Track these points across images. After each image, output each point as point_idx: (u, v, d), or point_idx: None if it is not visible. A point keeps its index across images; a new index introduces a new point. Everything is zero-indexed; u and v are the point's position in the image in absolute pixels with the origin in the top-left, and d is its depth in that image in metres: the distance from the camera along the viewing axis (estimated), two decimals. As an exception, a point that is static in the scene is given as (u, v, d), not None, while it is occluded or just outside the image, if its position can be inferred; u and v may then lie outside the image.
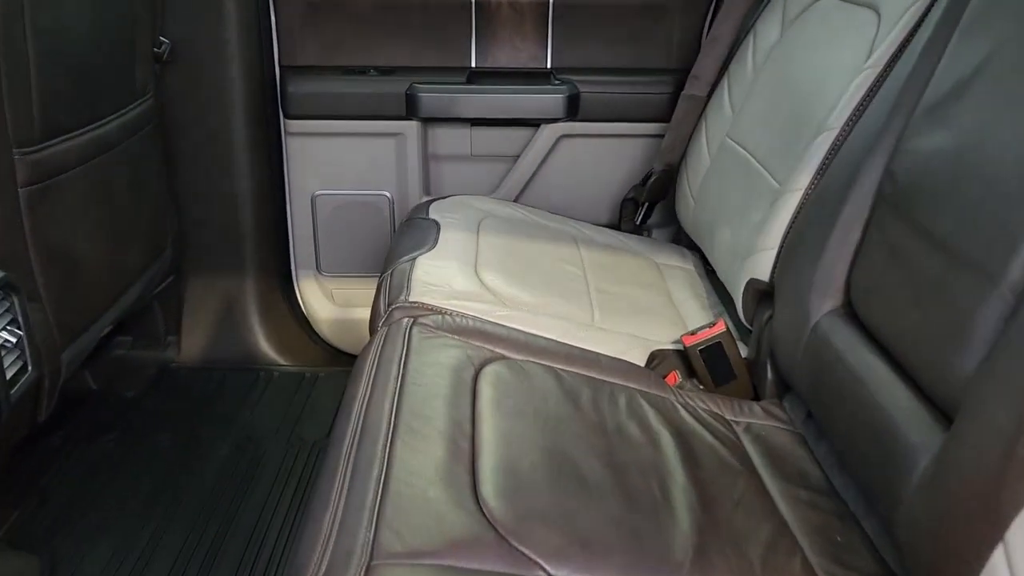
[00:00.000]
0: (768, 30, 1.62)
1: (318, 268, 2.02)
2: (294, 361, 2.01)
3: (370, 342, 1.23)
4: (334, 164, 1.93)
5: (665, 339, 1.40)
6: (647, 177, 1.84)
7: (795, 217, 1.25)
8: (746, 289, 1.34)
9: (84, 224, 1.43)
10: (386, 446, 0.94)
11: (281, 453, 1.71)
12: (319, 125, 1.89)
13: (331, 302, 2.05)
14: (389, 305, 1.33)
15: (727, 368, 1.31)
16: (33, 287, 1.27)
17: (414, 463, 0.92)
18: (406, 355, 1.15)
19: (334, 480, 0.90)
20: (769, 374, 1.27)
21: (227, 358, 2.00)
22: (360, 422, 1.00)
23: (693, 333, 1.33)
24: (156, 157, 1.73)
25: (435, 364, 1.13)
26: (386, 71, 1.89)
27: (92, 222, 1.46)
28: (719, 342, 1.31)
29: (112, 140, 1.51)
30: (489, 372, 1.13)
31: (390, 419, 0.99)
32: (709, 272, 1.72)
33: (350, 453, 0.94)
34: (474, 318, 1.28)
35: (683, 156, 1.78)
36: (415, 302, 1.31)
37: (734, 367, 1.31)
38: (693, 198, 1.70)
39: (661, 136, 1.84)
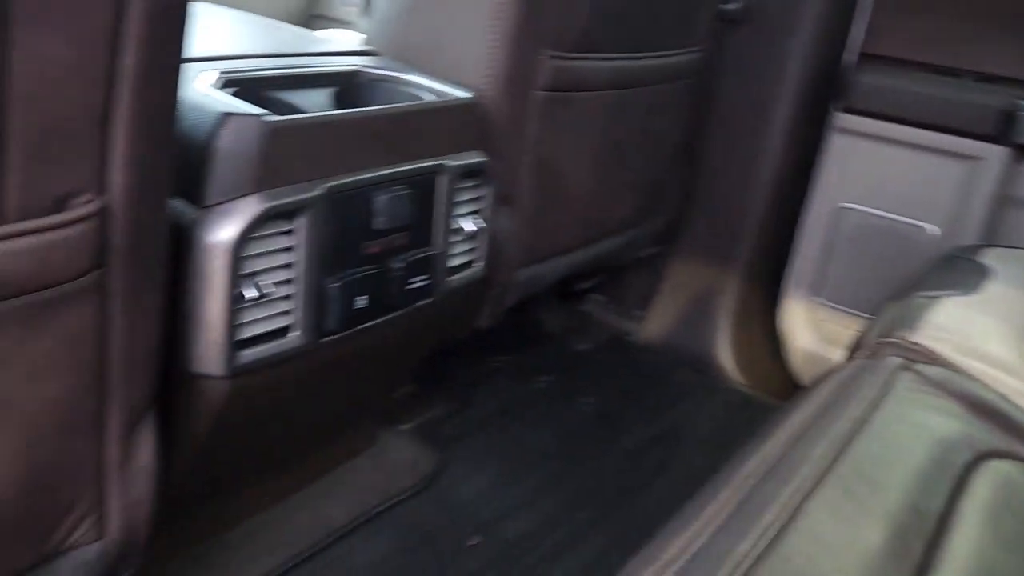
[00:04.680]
0: None
1: (813, 291, 1.72)
2: (743, 379, 1.75)
3: (833, 369, 0.92)
4: (875, 175, 1.59)
5: None
6: None
7: None
8: None
9: (583, 152, 1.35)
10: (798, 494, 0.65)
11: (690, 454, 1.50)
12: (873, 126, 1.56)
13: (813, 332, 1.73)
14: (880, 337, 1.00)
15: None
16: (510, 190, 1.23)
17: (830, 534, 0.61)
18: (878, 399, 0.82)
19: (704, 506, 0.65)
20: None
21: (681, 354, 1.83)
22: (777, 453, 0.73)
23: None
24: (683, 116, 1.60)
25: (916, 426, 0.79)
26: (985, 78, 1.48)
27: (592, 154, 1.38)
28: None
29: (644, 77, 1.42)
30: (992, 468, 0.75)
31: (821, 464, 0.69)
32: None
33: (743, 484, 0.67)
34: (996, 391, 0.88)
35: None
36: (917, 344, 0.96)
37: None
38: None
39: None
